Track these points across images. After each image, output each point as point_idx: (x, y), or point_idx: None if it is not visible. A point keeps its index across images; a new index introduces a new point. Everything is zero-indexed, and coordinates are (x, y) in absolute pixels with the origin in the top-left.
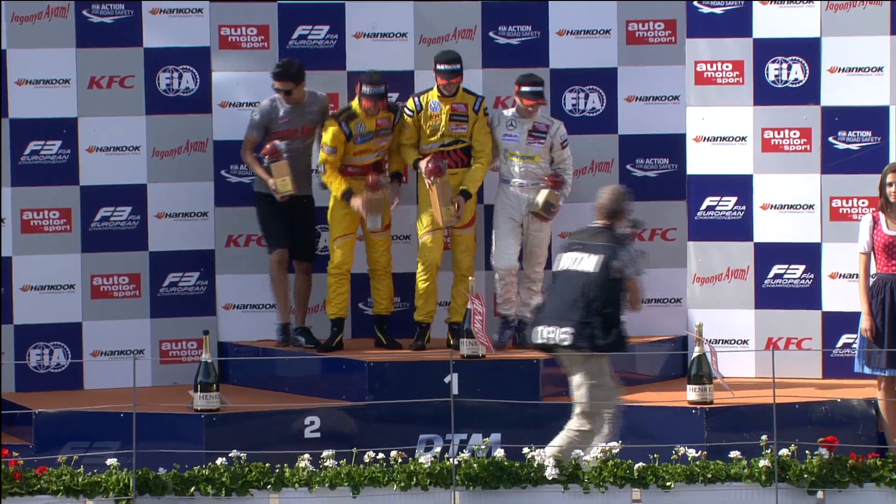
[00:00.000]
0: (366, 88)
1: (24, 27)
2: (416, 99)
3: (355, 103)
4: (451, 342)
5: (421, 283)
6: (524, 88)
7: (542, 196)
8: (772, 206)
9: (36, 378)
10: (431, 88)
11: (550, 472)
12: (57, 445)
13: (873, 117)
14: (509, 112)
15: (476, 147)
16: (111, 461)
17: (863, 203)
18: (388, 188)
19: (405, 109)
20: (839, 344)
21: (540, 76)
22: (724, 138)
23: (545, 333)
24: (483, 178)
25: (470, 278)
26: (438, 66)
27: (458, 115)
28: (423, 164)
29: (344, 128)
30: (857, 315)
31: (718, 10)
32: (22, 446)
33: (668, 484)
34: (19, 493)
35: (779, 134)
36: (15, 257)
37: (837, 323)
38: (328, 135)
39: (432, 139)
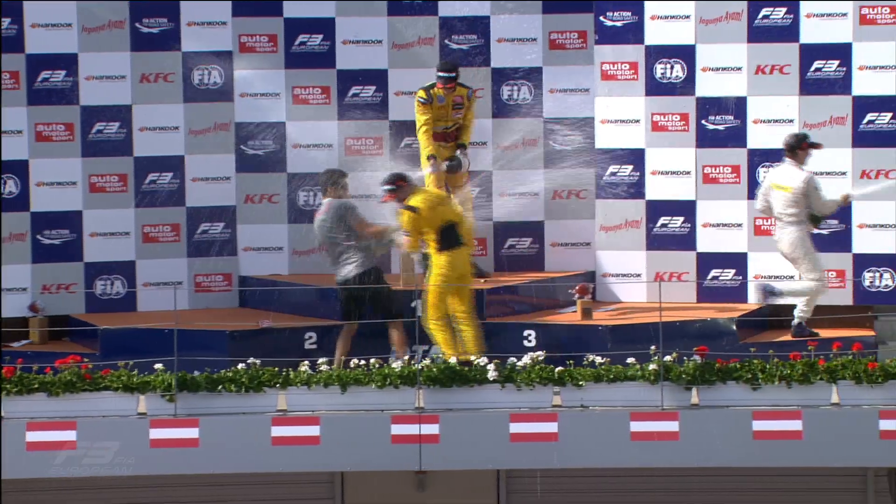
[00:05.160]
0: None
1: (91, 36)
2: (428, 92)
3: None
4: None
5: None
6: None
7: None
8: (659, 172)
9: (101, 303)
10: (434, 85)
11: (491, 374)
12: (117, 354)
13: (734, 105)
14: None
15: (465, 124)
16: (158, 366)
17: (727, 170)
18: None
19: (417, 98)
20: (709, 276)
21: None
22: (623, 121)
23: None
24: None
25: None
26: (439, 74)
27: (458, 105)
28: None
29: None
30: (723, 255)
31: (619, 24)
32: (91, 354)
33: (580, 383)
34: (89, 389)
35: (664, 118)
36: (85, 211)
37: (708, 261)
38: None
39: (439, 124)
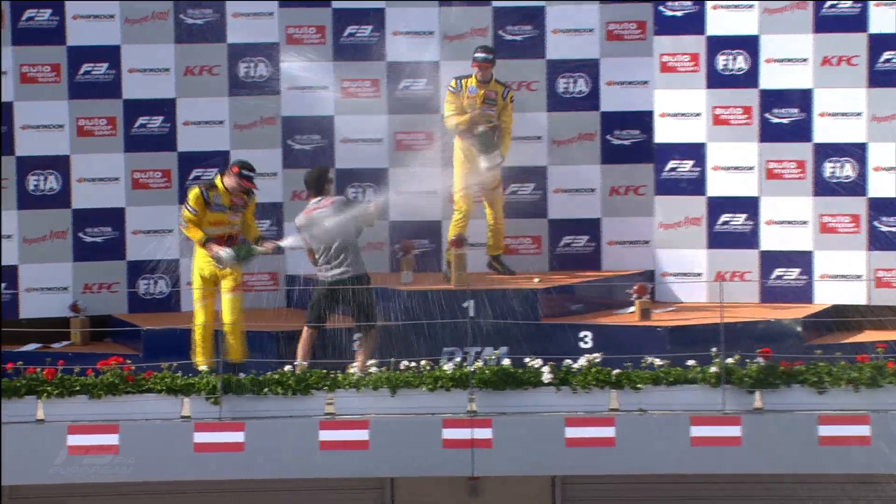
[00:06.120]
0: (245, 172)
1: (134, 27)
2: (459, 81)
3: (218, 179)
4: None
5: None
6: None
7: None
8: (720, 167)
9: (144, 302)
10: (471, 75)
11: (546, 377)
12: (160, 355)
13: (799, 98)
14: None
15: (502, 126)
16: (203, 367)
17: (792, 165)
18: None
19: (449, 87)
20: (773, 276)
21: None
22: (683, 114)
23: None
24: (508, 145)
25: None
26: (475, 55)
27: (490, 99)
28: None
29: (204, 193)
30: (788, 253)
31: (679, 13)
32: (133, 355)
33: (638, 386)
34: (132, 391)
35: (726, 111)
36: (127, 208)
37: (771, 259)
38: (190, 198)
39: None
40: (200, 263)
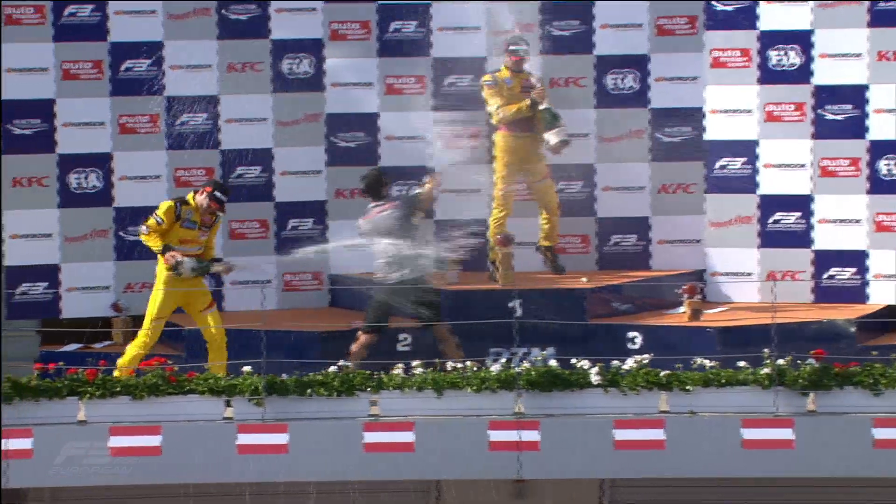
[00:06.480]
0: (218, 194)
1: (177, 23)
2: (493, 75)
3: (191, 196)
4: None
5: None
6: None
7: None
8: (773, 165)
9: None
10: (500, 69)
11: (594, 378)
12: (203, 356)
13: (855, 93)
14: None
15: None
16: (245, 368)
17: (846, 163)
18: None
19: (485, 82)
20: (826, 275)
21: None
22: (735, 111)
23: None
24: None
25: None
26: (510, 47)
27: (526, 87)
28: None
29: (176, 207)
30: (841, 252)
31: (731, 8)
32: (176, 356)
33: (688, 387)
34: (174, 392)
35: (779, 107)
36: None
37: (825, 259)
38: (161, 208)
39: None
40: (169, 283)
